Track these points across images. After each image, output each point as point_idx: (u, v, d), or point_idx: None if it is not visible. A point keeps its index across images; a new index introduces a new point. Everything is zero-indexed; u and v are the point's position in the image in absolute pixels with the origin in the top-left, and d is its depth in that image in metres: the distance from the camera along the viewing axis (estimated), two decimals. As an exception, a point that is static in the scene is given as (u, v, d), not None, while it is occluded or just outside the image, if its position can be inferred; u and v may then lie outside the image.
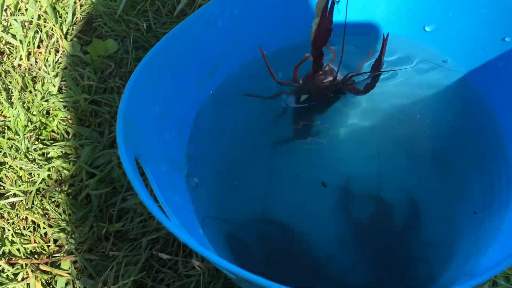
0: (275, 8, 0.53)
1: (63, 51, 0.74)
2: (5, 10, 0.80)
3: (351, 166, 0.53)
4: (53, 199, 0.64)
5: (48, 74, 0.71)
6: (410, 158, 0.54)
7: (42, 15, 0.77)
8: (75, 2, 0.79)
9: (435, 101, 0.56)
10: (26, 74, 0.72)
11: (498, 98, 0.53)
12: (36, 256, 0.60)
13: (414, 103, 0.56)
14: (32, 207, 0.63)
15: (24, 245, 0.60)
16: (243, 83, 0.56)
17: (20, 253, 0.60)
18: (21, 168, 0.65)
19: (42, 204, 0.63)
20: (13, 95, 0.71)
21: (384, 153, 0.53)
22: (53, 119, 0.69)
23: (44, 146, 0.67)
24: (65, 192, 0.64)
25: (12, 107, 0.69)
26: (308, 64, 0.52)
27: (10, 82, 0.73)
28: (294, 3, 0.54)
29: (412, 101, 0.56)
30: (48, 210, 0.63)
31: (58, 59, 0.74)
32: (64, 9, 0.78)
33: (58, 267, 0.60)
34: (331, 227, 0.49)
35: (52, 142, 0.68)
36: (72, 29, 0.78)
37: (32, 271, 0.58)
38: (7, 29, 0.78)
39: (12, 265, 0.59)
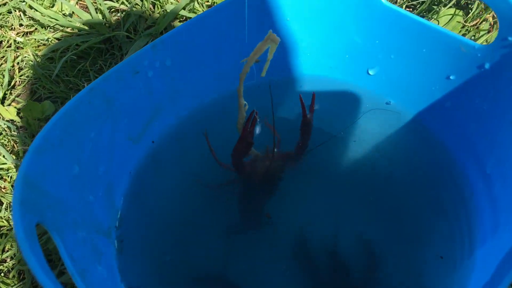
0: (207, 59, 0.50)
1: (-1, 116, 0.69)
2: None
3: (306, 223, 0.49)
4: (-21, 279, 0.57)
5: (-21, 141, 0.66)
6: (367, 208, 0.50)
7: (-22, 81, 0.73)
8: (13, 66, 0.75)
9: (388, 148, 0.53)
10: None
11: (451, 139, 0.50)
12: None
13: (366, 153, 0.53)
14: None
15: None
16: (182, 140, 0.52)
17: None
18: None
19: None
20: None
21: (341, 207, 0.50)
22: (-16, 191, 0.63)
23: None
24: (-6, 270, 0.57)
25: None
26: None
27: None
28: (224, 53, 0.51)
29: (364, 151, 0.53)
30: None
31: (-8, 125, 0.69)
32: (1, 73, 0.74)
33: None
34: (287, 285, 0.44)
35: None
36: (10, 93, 0.73)
37: None
38: None
39: None
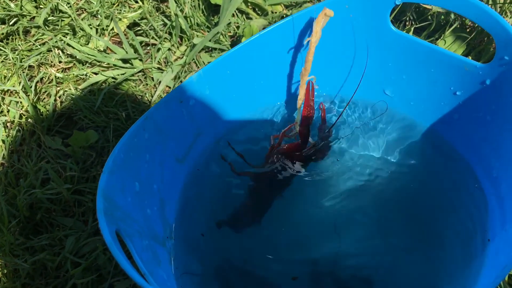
0: (240, 87, 0.58)
1: (45, 146, 0.76)
2: (-12, 113, 0.84)
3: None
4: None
5: (31, 169, 0.73)
6: (387, 215, 0.56)
7: (24, 114, 0.81)
8: (55, 100, 0.83)
9: (405, 157, 0.59)
10: (9, 171, 0.74)
11: (462, 148, 0.56)
12: None
13: (381, 168, 0.59)
14: (17, 304, 0.62)
15: None
16: (219, 158, 0.59)
17: None
18: (5, 265, 0.64)
19: (28, 300, 0.62)
20: (-4, 193, 0.72)
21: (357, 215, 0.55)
22: (37, 213, 0.69)
23: (28, 240, 0.67)
24: (51, 285, 0.63)
25: (-5, 205, 0.70)
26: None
27: (-7, 181, 0.74)
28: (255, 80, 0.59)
29: (377, 166, 0.59)
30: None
31: (40, 154, 0.76)
32: (45, 107, 0.81)
33: None
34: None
35: (36, 235, 0.68)
36: (53, 124, 0.81)
37: None
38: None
39: None
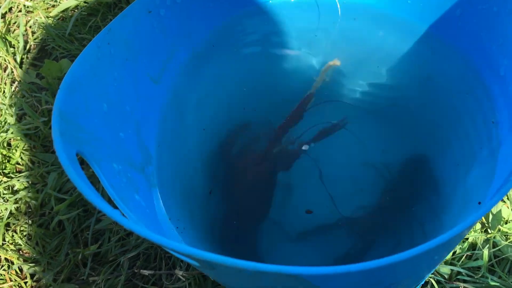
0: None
1: (19, 80, 0.71)
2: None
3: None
4: (24, 233, 0.60)
5: (5, 105, 0.68)
6: (388, 127, 0.52)
7: (-6, 48, 0.75)
8: (25, 30, 0.76)
9: (403, 62, 0.54)
10: (-17, 109, 0.69)
11: (465, 47, 0.50)
12: (11, 294, 0.56)
13: (383, 69, 0.54)
14: (3, 244, 0.59)
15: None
16: (202, 76, 0.53)
17: (-6, 294, 0.56)
18: (-14, 206, 0.61)
19: (14, 240, 0.59)
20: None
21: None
22: (16, 150, 0.65)
23: (9, 179, 0.63)
24: (36, 223, 0.60)
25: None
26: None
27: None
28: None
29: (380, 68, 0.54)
30: (21, 245, 0.59)
31: (14, 89, 0.71)
32: (15, 39, 0.75)
33: (38, 302, 0.56)
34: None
35: (17, 174, 0.64)
36: (27, 57, 0.75)
37: (8, 311, 0.54)
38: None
39: (-13, 308, 0.55)
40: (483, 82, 0.47)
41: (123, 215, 0.30)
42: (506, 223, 0.53)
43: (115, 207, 0.31)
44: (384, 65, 0.54)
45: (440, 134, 0.48)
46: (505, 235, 0.52)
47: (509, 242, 0.52)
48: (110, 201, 0.30)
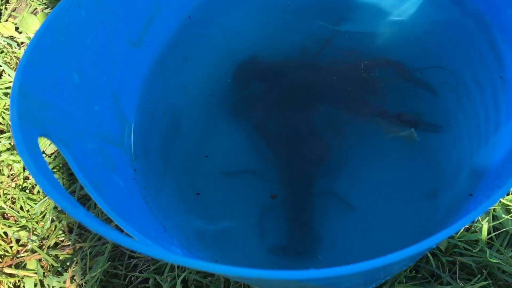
0: None
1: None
2: None
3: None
4: (8, 197, 0.58)
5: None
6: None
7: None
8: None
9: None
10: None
11: (480, 8, 0.46)
12: (-2, 260, 0.55)
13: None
14: (-14, 208, 0.58)
15: (-17, 250, 0.55)
16: (189, 39, 0.49)
17: (-22, 259, 0.55)
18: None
19: (-3, 204, 0.58)
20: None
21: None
22: (-2, 112, 0.62)
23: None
24: (20, 187, 0.59)
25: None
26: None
27: None
28: None
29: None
30: (5, 209, 0.57)
31: (-7, 44, 0.67)
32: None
33: (24, 267, 0.55)
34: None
35: (-1, 134, 0.62)
36: (5, 8, 0.70)
37: (-5, 276, 0.53)
38: None
39: (-28, 273, 0.55)
40: (496, 47, 0.43)
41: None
42: (507, 195, 0.51)
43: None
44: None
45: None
46: (506, 208, 0.50)
47: (510, 216, 0.50)
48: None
